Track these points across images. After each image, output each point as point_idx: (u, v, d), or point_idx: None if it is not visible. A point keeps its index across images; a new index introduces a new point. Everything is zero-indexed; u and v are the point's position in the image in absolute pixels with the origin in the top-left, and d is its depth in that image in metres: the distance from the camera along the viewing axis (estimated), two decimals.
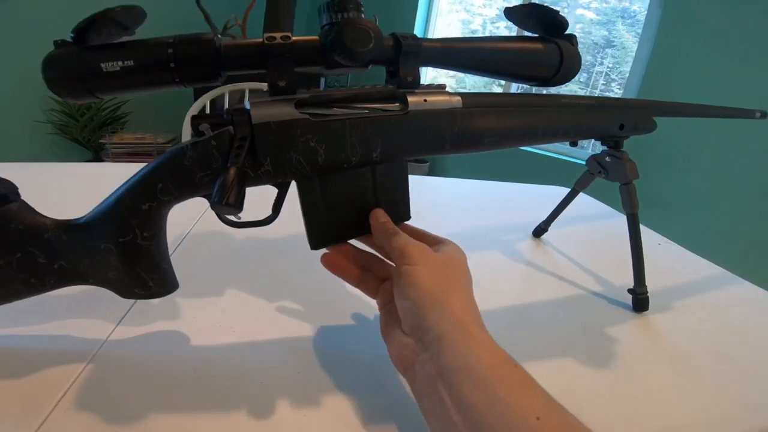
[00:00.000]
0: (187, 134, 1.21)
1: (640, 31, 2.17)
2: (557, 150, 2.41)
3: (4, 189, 0.32)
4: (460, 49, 0.37)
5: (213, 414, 0.30)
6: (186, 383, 0.32)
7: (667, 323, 0.47)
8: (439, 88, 0.37)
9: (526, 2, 0.39)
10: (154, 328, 0.38)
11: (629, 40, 2.36)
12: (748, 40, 1.72)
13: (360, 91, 0.35)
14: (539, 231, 0.63)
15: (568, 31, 0.40)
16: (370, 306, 0.44)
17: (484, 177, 0.96)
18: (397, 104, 0.35)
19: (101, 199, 0.32)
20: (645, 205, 0.51)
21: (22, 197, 0.33)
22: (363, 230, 0.36)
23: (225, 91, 1.23)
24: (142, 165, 0.32)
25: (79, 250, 0.32)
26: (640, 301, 0.47)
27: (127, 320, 0.38)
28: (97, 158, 2.20)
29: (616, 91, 2.48)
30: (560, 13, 0.39)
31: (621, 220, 0.49)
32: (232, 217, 0.36)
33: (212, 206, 0.28)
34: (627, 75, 2.23)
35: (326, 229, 0.35)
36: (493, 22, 2.96)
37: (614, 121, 0.45)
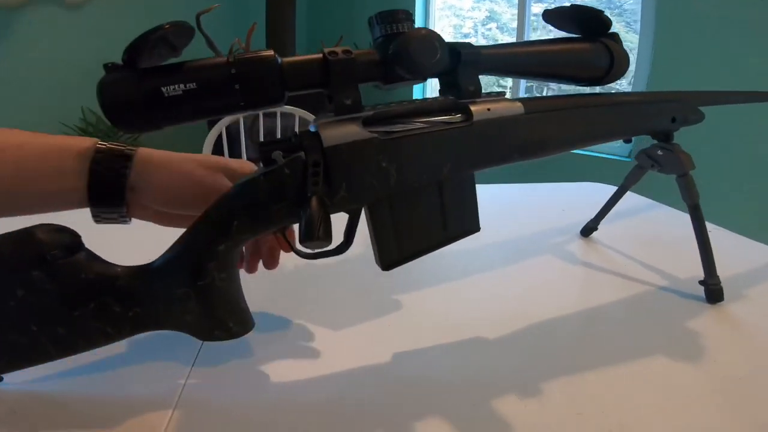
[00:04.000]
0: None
1: (628, 20, 2.14)
2: None
3: (69, 239, 0.30)
4: (516, 54, 0.37)
5: None
6: (277, 426, 0.31)
7: (746, 312, 0.45)
8: (499, 96, 0.36)
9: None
10: (230, 367, 0.36)
11: (619, 30, 2.36)
12: (748, 26, 1.69)
13: (421, 104, 0.34)
14: (588, 230, 0.61)
15: None
16: (433, 323, 0.43)
17: (503, 178, 0.93)
18: (460, 116, 0.34)
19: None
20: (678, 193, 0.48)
21: None
22: (432, 247, 0.35)
23: (239, 115, 1.23)
24: None
25: (153, 295, 0.31)
26: (713, 292, 0.46)
27: (200, 360, 0.37)
28: None
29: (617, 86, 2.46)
30: (604, 12, 0.38)
31: (663, 211, 0.47)
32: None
33: (301, 243, 0.26)
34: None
35: (396, 250, 0.34)
36: (484, 24, 2.98)
37: (666, 115, 0.44)
